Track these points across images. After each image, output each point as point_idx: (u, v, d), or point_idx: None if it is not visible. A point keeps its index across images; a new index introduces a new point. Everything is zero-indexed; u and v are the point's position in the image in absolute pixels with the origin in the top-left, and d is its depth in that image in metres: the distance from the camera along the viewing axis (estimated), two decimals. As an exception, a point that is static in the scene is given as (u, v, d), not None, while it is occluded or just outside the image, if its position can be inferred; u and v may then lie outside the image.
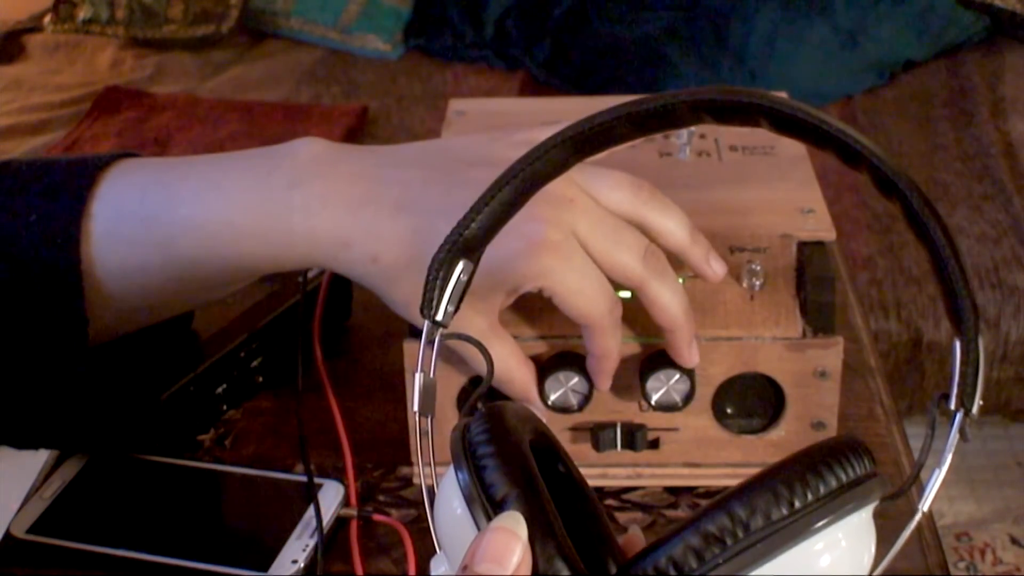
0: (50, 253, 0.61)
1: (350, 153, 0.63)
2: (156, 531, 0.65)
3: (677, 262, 0.64)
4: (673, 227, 0.61)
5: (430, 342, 0.47)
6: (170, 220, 0.62)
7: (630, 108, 0.48)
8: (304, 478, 0.67)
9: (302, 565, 0.62)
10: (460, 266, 0.48)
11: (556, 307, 0.62)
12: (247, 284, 0.69)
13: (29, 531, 0.65)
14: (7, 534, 0.64)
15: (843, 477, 0.42)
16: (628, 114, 0.48)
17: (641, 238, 0.60)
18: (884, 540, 0.65)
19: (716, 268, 0.63)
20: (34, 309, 0.61)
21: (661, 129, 0.49)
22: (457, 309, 0.48)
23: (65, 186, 0.62)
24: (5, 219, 0.62)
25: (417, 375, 0.47)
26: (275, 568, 0.61)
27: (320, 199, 0.61)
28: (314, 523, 0.64)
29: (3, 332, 0.62)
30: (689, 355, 0.62)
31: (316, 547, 0.62)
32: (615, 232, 0.60)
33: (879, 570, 0.42)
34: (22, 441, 0.68)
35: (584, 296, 0.59)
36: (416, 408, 0.46)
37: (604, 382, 0.63)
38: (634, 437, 0.65)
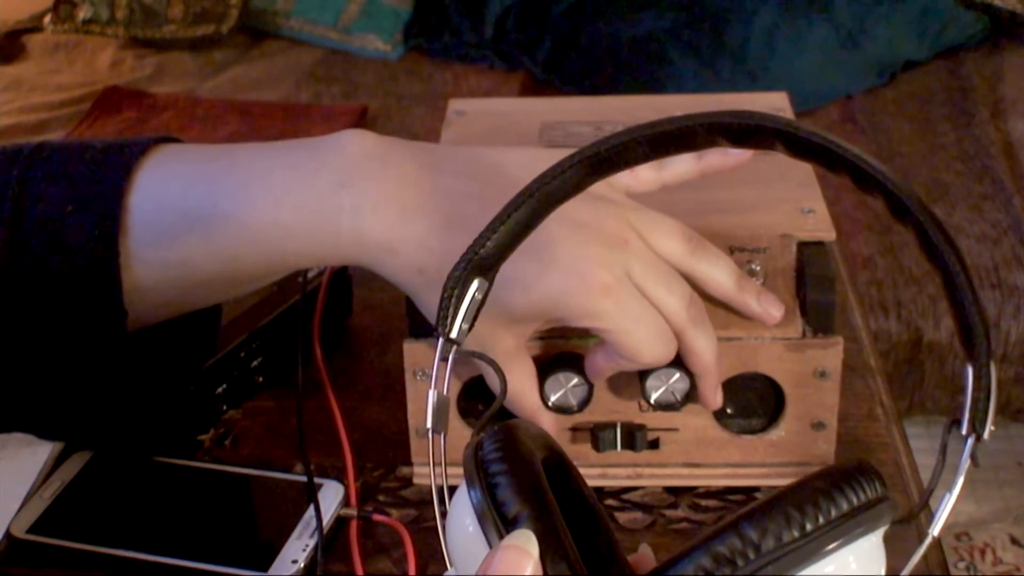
0: (88, 246, 0.60)
1: (402, 152, 0.62)
2: (156, 531, 0.65)
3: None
4: (721, 277, 0.62)
5: (444, 359, 0.47)
6: (214, 215, 0.61)
7: (646, 130, 0.48)
8: (304, 478, 0.67)
9: (302, 565, 0.62)
10: (475, 284, 0.48)
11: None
12: (282, 277, 0.69)
13: (29, 531, 0.64)
14: (7, 534, 0.64)
15: (854, 500, 0.42)
16: (644, 136, 0.48)
17: (687, 286, 0.61)
18: (883, 540, 0.65)
19: (771, 310, 0.63)
20: (72, 300, 0.60)
21: (678, 151, 0.49)
22: (471, 327, 0.48)
23: (101, 176, 0.61)
24: (41, 209, 0.60)
25: (431, 393, 0.47)
26: (275, 568, 0.62)
27: (371, 202, 0.60)
28: (314, 523, 0.64)
29: (40, 322, 0.61)
30: (714, 399, 0.63)
31: (316, 547, 0.62)
32: (666, 278, 0.60)
33: None
34: (46, 432, 0.68)
35: (636, 338, 0.59)
36: (430, 425, 0.47)
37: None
38: (634, 437, 0.65)
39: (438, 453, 0.47)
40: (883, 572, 0.43)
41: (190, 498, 0.68)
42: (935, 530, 0.42)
